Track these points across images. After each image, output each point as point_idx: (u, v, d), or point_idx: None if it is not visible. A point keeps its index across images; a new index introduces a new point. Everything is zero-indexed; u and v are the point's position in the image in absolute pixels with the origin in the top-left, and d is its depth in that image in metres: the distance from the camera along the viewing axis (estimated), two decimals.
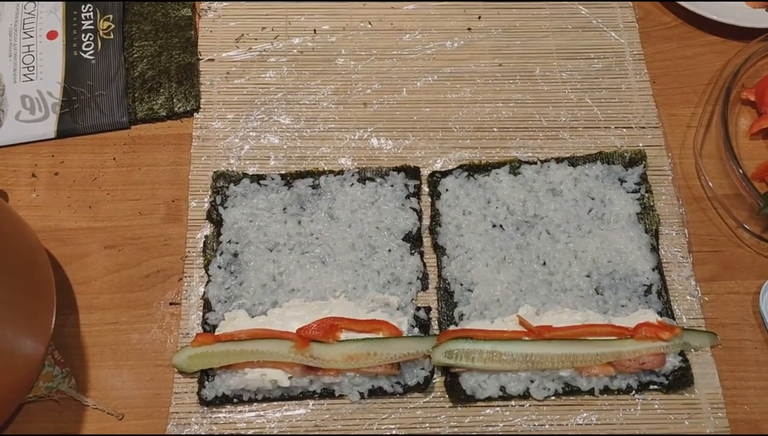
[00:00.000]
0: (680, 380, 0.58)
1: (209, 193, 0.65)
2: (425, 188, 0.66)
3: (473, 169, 0.66)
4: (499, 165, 0.66)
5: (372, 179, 0.65)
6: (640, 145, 0.68)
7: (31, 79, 0.69)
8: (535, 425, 0.56)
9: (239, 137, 0.68)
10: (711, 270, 0.63)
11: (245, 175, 0.65)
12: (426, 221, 0.64)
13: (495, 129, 0.69)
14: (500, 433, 0.56)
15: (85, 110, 0.68)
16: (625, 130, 0.69)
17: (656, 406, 0.57)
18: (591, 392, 0.57)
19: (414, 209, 0.64)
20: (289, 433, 0.56)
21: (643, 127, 0.69)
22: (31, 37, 0.71)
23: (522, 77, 0.71)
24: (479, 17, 0.74)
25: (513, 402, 0.57)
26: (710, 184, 0.66)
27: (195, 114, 0.69)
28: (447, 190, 0.65)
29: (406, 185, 0.65)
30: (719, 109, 0.68)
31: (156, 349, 0.59)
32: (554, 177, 0.65)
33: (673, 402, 0.57)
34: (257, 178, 0.65)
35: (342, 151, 0.67)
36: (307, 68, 0.71)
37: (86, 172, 0.66)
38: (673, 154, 0.68)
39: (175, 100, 0.69)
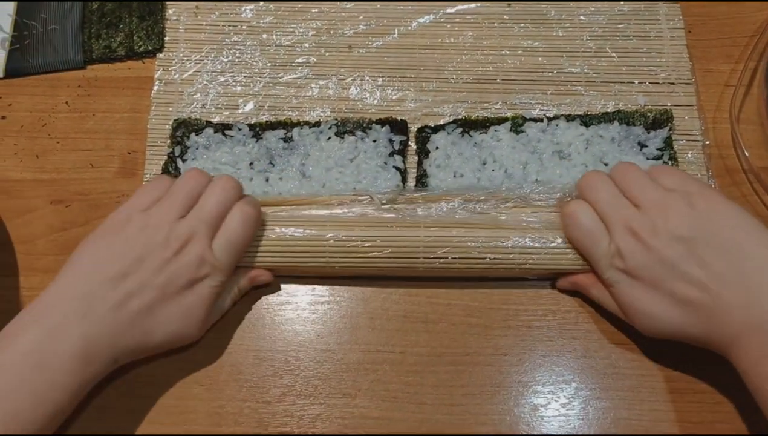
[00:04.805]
0: None
1: (168, 143, 0.57)
2: (413, 145, 0.57)
3: (469, 125, 0.57)
4: (499, 121, 0.57)
5: (352, 133, 0.57)
6: (668, 104, 0.59)
7: None
8: None
9: (206, 82, 0.60)
10: None
11: (209, 123, 0.57)
12: (411, 184, 0.56)
13: (498, 80, 0.60)
14: None
15: (36, 47, 0.61)
16: (651, 85, 0.59)
17: None
18: None
19: (397, 169, 0.56)
20: None
21: (673, 84, 0.60)
22: None
23: (533, 20, 0.62)
24: None
25: None
26: (746, 154, 0.56)
27: (158, 54, 0.61)
28: (437, 148, 0.56)
29: (390, 141, 0.57)
30: (763, 65, 0.58)
31: None
32: (562, 137, 0.56)
33: None
34: (222, 128, 0.57)
35: (320, 100, 0.59)
36: (287, 4, 0.62)
37: (35, 116, 0.59)
38: (705, 118, 0.59)
39: (135, 38, 0.61)
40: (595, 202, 0.48)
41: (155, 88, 0.60)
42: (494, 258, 0.50)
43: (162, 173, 0.56)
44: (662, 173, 0.48)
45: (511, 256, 0.50)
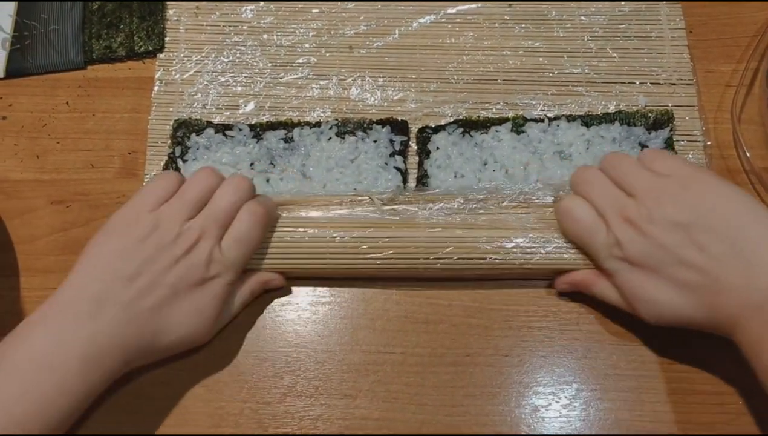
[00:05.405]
0: None
1: (169, 144, 0.57)
2: (413, 146, 0.57)
3: (470, 126, 0.57)
4: (500, 122, 0.57)
5: (353, 133, 0.57)
6: (669, 105, 0.59)
7: None
8: None
9: (206, 82, 0.60)
10: None
11: (209, 123, 0.57)
12: (411, 184, 0.56)
13: (499, 81, 0.60)
14: None
15: (37, 47, 0.61)
16: (652, 85, 0.59)
17: None
18: None
19: (398, 169, 0.56)
20: None
21: (674, 84, 0.59)
22: None
23: (534, 21, 0.61)
24: None
25: None
26: (748, 154, 0.56)
27: (159, 54, 0.61)
28: (438, 148, 0.56)
29: (391, 141, 0.57)
30: (764, 66, 0.58)
31: None
32: (563, 138, 0.56)
33: None
34: (223, 129, 0.57)
35: (321, 100, 0.59)
36: (288, 5, 0.62)
37: (36, 117, 0.59)
38: (706, 118, 0.59)
39: (136, 38, 0.61)
40: (590, 195, 0.48)
41: (156, 88, 0.60)
42: (495, 258, 0.50)
43: None
44: (655, 159, 0.48)
45: (513, 256, 0.50)
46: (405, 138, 0.57)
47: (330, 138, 0.56)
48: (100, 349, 0.42)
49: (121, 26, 0.61)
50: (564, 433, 0.48)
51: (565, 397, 0.50)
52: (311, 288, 0.53)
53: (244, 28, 0.61)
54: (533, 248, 0.50)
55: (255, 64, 0.60)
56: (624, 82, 0.59)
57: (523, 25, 0.61)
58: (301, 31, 0.61)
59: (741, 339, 0.43)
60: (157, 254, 0.44)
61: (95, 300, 0.43)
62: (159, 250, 0.45)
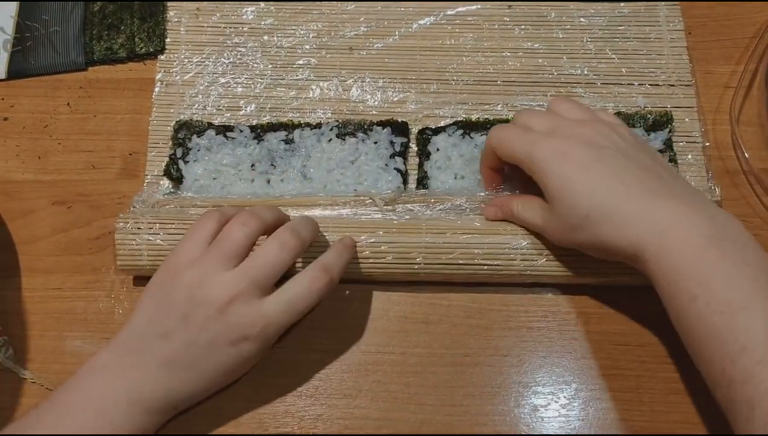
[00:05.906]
0: None
1: (170, 145, 0.58)
2: (413, 147, 0.58)
3: (470, 127, 0.57)
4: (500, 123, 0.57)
5: (353, 135, 0.57)
6: (668, 106, 0.59)
7: None
8: None
9: (207, 83, 0.60)
10: None
11: (210, 125, 0.58)
12: (412, 185, 0.56)
13: (499, 82, 0.60)
14: None
15: (38, 48, 0.61)
16: (651, 87, 0.60)
17: None
18: None
19: (399, 171, 0.56)
20: None
21: (673, 85, 0.60)
22: None
23: (534, 22, 0.62)
24: None
25: None
26: (747, 155, 0.56)
27: (159, 56, 0.61)
28: (438, 149, 0.57)
29: (391, 143, 0.57)
30: (763, 67, 0.58)
31: (102, 320, 0.53)
32: None
33: None
34: (224, 130, 0.57)
35: (321, 102, 0.59)
36: (288, 6, 0.62)
37: (37, 118, 0.60)
38: (705, 119, 0.59)
39: (137, 40, 0.61)
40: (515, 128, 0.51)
41: (156, 89, 0.60)
42: (497, 265, 0.50)
43: (164, 175, 0.56)
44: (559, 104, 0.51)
45: (515, 262, 0.50)
46: (405, 139, 0.57)
47: (330, 139, 0.57)
48: (146, 397, 0.43)
49: (122, 27, 0.61)
50: (563, 433, 0.49)
51: (564, 397, 0.50)
52: None
53: (245, 29, 0.62)
54: (535, 253, 0.50)
55: (255, 65, 0.60)
56: (623, 84, 0.60)
57: (523, 27, 0.61)
58: (302, 32, 0.61)
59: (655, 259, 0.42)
60: (191, 311, 0.43)
61: (136, 353, 0.44)
62: (193, 306, 0.43)
